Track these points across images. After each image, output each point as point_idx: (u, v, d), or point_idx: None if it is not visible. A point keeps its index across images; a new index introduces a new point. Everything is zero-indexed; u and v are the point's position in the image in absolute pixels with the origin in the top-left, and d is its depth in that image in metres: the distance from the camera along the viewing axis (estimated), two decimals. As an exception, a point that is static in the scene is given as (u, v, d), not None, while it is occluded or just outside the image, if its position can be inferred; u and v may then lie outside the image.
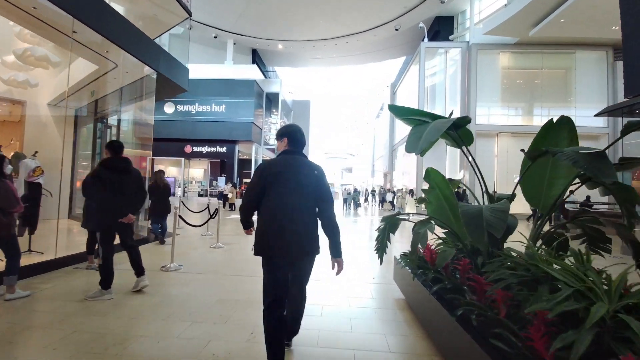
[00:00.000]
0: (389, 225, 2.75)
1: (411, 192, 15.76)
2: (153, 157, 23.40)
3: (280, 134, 2.11)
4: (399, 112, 2.40)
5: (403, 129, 21.91)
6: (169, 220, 6.18)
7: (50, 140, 9.63)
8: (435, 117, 2.19)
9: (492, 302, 1.85)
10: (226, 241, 6.47)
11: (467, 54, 16.48)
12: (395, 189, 21.04)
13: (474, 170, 2.47)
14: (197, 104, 22.07)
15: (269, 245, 1.87)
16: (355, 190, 20.51)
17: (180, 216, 4.65)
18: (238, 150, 23.36)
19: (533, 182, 2.38)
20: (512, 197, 2.43)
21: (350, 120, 63.79)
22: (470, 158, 2.45)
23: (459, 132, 2.19)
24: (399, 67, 28.91)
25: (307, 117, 33.20)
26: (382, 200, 20.93)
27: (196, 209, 10.12)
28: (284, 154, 2.06)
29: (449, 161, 16.86)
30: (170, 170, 24.92)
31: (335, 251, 2.02)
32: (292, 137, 2.08)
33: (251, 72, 22.39)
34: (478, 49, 16.06)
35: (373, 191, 28.26)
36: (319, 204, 2.01)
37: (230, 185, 16.00)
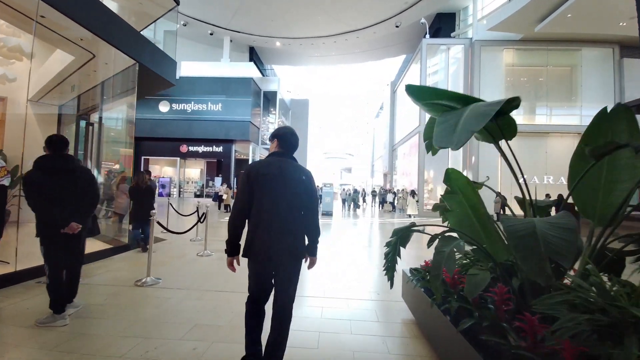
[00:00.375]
0: (401, 239, 2.23)
1: (412, 192, 15.24)
2: (148, 157, 22.95)
3: (272, 136, 2.11)
4: (419, 94, 1.88)
5: (403, 128, 21.42)
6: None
7: (32, 140, 9.09)
8: (469, 100, 1.68)
9: (550, 352, 1.35)
10: (216, 247, 5.95)
11: (469, 51, 15.99)
12: (395, 190, 20.53)
13: (516, 174, 1.97)
14: (192, 103, 21.54)
15: (255, 247, 1.87)
16: (355, 191, 19.99)
17: (158, 222, 4.13)
18: (235, 150, 22.83)
19: (586, 186, 1.87)
20: (558, 203, 1.92)
21: (350, 120, 63.33)
22: (512, 156, 1.94)
23: (499, 121, 1.67)
24: (398, 67, 28.44)
25: (306, 116, 32.64)
26: (382, 201, 20.40)
27: (188, 211, 9.60)
28: (272, 156, 2.03)
29: (452, 160, 16.37)
30: (166, 170, 24.39)
31: (312, 251, 2.08)
32: (283, 139, 2.06)
33: (248, 70, 21.86)
34: (481, 45, 15.57)
35: (373, 192, 27.76)
36: (304, 208, 1.99)
37: (225, 185, 15.46)
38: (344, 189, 23.28)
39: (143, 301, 3.23)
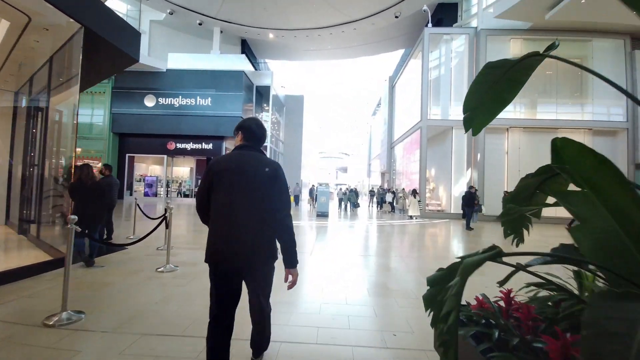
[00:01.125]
0: (464, 279, 1.13)
1: (414, 192, 14.16)
2: (133, 155, 21.73)
3: (236, 128, 1.93)
4: None
5: (403, 125, 20.38)
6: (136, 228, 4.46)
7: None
8: None
9: None
10: (185, 259, 4.82)
11: (474, 41, 14.99)
12: (394, 189, 19.50)
13: None
14: (180, 97, 20.30)
15: (214, 250, 1.72)
16: (351, 190, 18.88)
17: (85, 232, 2.99)
18: (225, 147, 21.60)
19: None
20: None
21: (345, 120, 62.45)
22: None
23: None
24: (394, 65, 27.49)
25: (301, 113, 31.41)
26: (381, 201, 19.30)
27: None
28: (236, 149, 1.87)
29: (455, 158, 15.35)
30: (154, 168, 23.12)
31: (289, 261, 1.81)
32: (247, 130, 1.89)
33: (239, 62, 20.66)
34: (487, 34, 14.57)
35: (371, 191, 26.72)
36: (269, 205, 1.76)
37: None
38: (340, 189, 22.13)
39: (35, 356, 2.09)
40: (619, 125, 14.58)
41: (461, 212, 14.26)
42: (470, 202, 10.53)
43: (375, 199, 21.87)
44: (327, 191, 13.73)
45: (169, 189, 22.04)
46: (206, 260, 1.75)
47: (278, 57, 27.68)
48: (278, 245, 1.82)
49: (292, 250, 1.80)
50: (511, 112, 14.84)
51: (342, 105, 61.38)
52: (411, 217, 13.82)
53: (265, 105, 24.96)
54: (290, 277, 1.81)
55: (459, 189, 15.18)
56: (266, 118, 24.75)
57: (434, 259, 5.69)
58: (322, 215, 13.15)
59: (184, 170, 24.06)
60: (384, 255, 5.97)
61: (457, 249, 7.06)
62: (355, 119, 57.87)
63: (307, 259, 5.31)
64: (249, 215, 1.71)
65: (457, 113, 15.56)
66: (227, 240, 1.68)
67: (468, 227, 10.22)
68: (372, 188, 30.92)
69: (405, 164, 19.70)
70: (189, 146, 20.77)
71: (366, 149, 44.13)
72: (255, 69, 24.23)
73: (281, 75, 30.09)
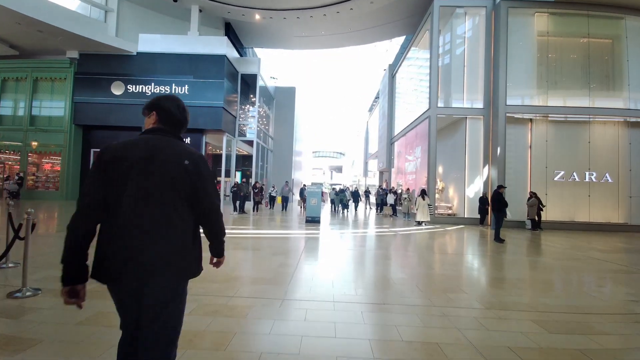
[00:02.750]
0: None
1: (423, 193, 11.83)
2: (99, 150, 19.20)
3: (148, 107, 1.48)
4: None
5: (406, 116, 18.10)
6: None
7: None
8: None
9: None
10: (33, 317, 2.43)
11: (492, 16, 12.75)
12: (398, 189, 17.16)
13: None
14: (152, 84, 17.79)
15: (110, 262, 1.24)
16: (342, 190, 16.50)
17: None
18: (206, 142, 19.13)
19: None
20: None
21: (340, 118, 60.26)
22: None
23: None
24: (392, 59, 25.21)
25: (293, 106, 28.92)
26: (381, 204, 16.91)
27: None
28: (145, 134, 1.43)
29: (470, 153, 13.08)
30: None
31: (216, 251, 1.55)
32: (164, 110, 1.45)
33: (221, 45, 18.17)
34: (508, 7, 12.33)
35: (367, 191, 24.42)
36: (195, 211, 1.37)
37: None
38: (334, 189, 19.78)
39: None
40: (659, 115, 12.44)
41: (478, 216, 12.06)
42: (500, 205, 8.24)
43: (374, 201, 19.48)
44: (318, 192, 11.35)
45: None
46: (95, 276, 1.26)
47: (266, 44, 25.20)
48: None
49: (220, 244, 1.54)
50: (541, 96, 12.55)
51: (336, 102, 59.13)
52: (419, 223, 11.51)
53: (252, 96, 22.49)
54: (216, 261, 1.57)
55: (474, 189, 12.92)
56: (253, 113, 22.28)
57: (494, 312, 3.37)
58: (313, 221, 10.78)
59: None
60: (409, 306, 3.62)
61: (518, 285, 4.75)
62: (350, 116, 55.71)
63: (273, 315, 2.94)
64: (158, 222, 1.27)
65: (471, 101, 13.33)
66: (129, 251, 1.23)
67: (497, 239, 7.91)
68: (368, 188, 28.45)
69: (407, 161, 17.41)
70: (164, 140, 18.26)
71: (362, 148, 41.87)
72: (240, 55, 21.80)
73: (271, 67, 27.58)
